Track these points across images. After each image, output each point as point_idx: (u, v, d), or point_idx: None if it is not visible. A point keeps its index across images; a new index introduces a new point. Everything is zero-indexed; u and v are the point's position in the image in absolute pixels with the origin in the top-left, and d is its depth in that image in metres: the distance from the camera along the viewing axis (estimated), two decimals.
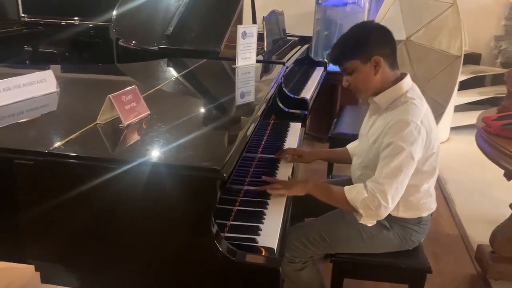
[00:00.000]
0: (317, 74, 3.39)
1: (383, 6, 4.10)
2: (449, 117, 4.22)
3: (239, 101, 1.83)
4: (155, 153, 1.12)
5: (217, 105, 1.71)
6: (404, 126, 1.44)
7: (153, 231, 1.08)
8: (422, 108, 1.52)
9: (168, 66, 2.37)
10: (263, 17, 2.85)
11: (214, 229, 1.07)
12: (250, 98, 1.92)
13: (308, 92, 2.84)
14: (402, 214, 1.60)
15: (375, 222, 1.52)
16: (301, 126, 2.31)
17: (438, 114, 4.05)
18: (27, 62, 5.41)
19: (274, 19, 3.13)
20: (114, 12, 3.04)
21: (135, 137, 1.27)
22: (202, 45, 2.53)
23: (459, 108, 4.42)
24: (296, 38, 3.64)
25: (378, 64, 1.52)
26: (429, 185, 1.61)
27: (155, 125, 1.35)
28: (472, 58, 5.07)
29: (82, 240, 1.12)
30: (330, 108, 4.03)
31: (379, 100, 1.58)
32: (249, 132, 1.40)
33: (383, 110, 1.57)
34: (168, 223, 1.06)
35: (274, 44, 3.07)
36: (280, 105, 2.35)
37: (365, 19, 4.03)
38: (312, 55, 3.75)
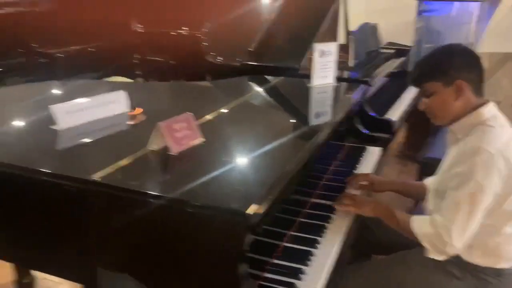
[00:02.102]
0: (411, 91, 3.14)
1: (496, 14, 3.67)
2: None
3: (303, 125, 1.76)
4: (184, 188, 1.09)
5: (278, 131, 1.66)
6: (475, 154, 1.28)
7: (182, 267, 1.06)
8: (502, 136, 1.33)
9: (244, 84, 2.37)
10: (351, 31, 2.71)
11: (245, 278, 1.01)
12: (317, 121, 1.83)
13: (396, 111, 2.64)
14: (476, 259, 1.40)
15: (445, 257, 1.36)
16: (381, 151, 2.16)
17: None
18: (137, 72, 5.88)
19: (364, 32, 2.97)
20: (206, 26, 3.15)
21: (175, 168, 1.28)
22: (282, 62, 2.49)
23: None
24: (392, 51, 3.42)
25: (460, 89, 1.38)
26: None
27: (202, 154, 1.34)
28: None
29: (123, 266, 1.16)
30: (427, 124, 3.71)
31: (456, 128, 1.44)
32: (299, 166, 1.32)
33: (459, 139, 1.41)
34: (196, 263, 1.04)
35: (364, 58, 2.91)
36: (359, 126, 2.22)
37: (473, 30, 3.64)
38: (409, 69, 3.49)
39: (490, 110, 1.40)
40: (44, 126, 1.49)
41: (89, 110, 1.56)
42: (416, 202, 2.49)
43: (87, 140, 1.50)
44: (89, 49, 5.04)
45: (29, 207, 1.26)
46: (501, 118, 1.41)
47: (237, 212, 0.98)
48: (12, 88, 2.45)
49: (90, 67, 4.76)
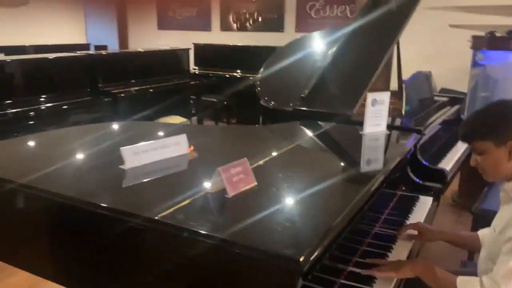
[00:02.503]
0: None
1: None
2: None
3: (354, 172, 1.79)
4: (238, 231, 1.15)
5: (330, 177, 1.69)
6: None
7: None
8: None
9: (296, 129, 2.44)
10: (403, 80, 2.74)
11: None
12: (369, 168, 1.86)
13: (450, 161, 2.61)
14: None
15: None
16: (433, 201, 2.13)
17: None
18: (193, 111, 6.16)
19: (417, 80, 2.98)
20: (260, 71, 3.31)
21: (231, 210, 1.35)
22: (334, 108, 2.55)
23: None
24: (446, 99, 3.40)
25: None
26: None
27: (255, 198, 1.41)
28: None
29: None
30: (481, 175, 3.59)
31: (509, 188, 1.42)
32: (351, 214, 1.35)
33: None
34: None
35: (417, 106, 2.92)
36: (411, 175, 2.21)
37: None
38: (463, 117, 3.44)
39: None
40: (114, 165, 1.63)
41: (154, 152, 1.68)
42: (470, 253, 2.40)
43: (150, 179, 1.61)
44: (150, 90, 5.39)
45: (92, 238, 1.37)
46: None
47: (291, 258, 1.02)
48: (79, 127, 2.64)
49: (149, 106, 5.06)
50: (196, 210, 1.31)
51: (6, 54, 5.11)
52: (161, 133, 2.24)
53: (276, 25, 7.90)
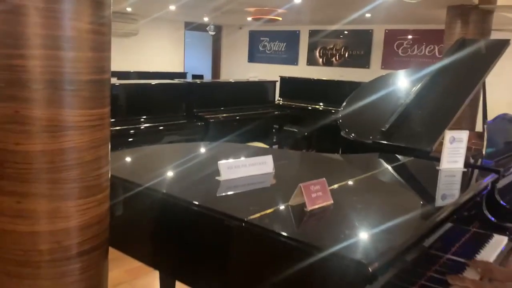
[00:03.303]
0: None
1: None
2: None
3: (426, 203, 1.90)
4: (312, 235, 1.37)
5: (400, 203, 1.83)
6: None
7: None
8: None
9: (374, 160, 2.58)
10: (486, 120, 2.78)
11: None
12: (441, 202, 1.95)
13: None
14: None
15: None
16: (509, 241, 2.14)
17: None
18: (274, 139, 6.47)
19: (501, 123, 2.98)
20: (343, 105, 3.50)
21: (310, 221, 1.54)
22: (413, 143, 2.66)
23: None
24: None
25: None
26: None
27: (332, 214, 1.59)
28: None
29: None
30: None
31: None
32: (418, 236, 1.48)
33: None
34: None
35: (502, 148, 2.91)
36: (487, 213, 2.24)
37: None
38: None
39: None
40: (211, 177, 1.92)
41: (244, 168, 1.94)
42: None
43: (241, 190, 1.88)
44: (237, 117, 5.79)
45: (190, 233, 1.65)
46: None
47: (360, 263, 1.19)
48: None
49: (236, 132, 5.45)
50: (279, 217, 1.53)
51: (118, 79, 5.82)
52: (248, 154, 2.51)
53: (362, 61, 8.06)
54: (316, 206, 1.60)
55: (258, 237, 1.42)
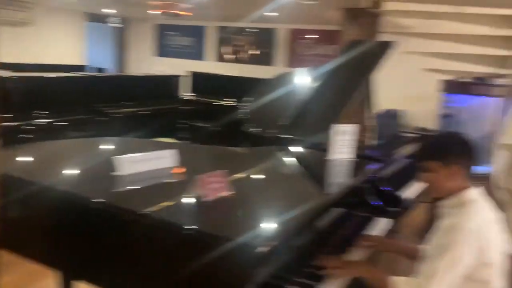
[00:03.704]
0: None
1: None
2: None
3: (316, 191, 2.07)
4: (209, 224, 1.44)
5: (292, 191, 1.98)
6: (455, 230, 1.54)
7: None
8: (479, 217, 1.57)
9: (274, 153, 2.73)
10: (373, 115, 3.07)
11: None
12: (331, 189, 2.14)
13: (410, 190, 2.90)
14: None
15: None
16: (392, 223, 2.41)
17: None
18: (183, 135, 6.43)
19: (387, 117, 3.32)
20: (247, 100, 3.63)
21: (209, 211, 1.61)
22: (308, 136, 2.85)
23: None
24: (416, 135, 3.72)
25: (454, 173, 1.65)
26: None
27: (230, 203, 1.68)
28: None
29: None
30: None
31: (444, 204, 1.70)
32: (306, 222, 1.63)
33: (446, 213, 1.67)
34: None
35: (387, 140, 3.24)
36: (372, 198, 2.48)
37: (492, 122, 3.91)
38: None
39: (472, 193, 1.65)
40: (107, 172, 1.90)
41: (145, 162, 1.95)
42: None
43: (141, 184, 1.88)
44: (140, 112, 5.67)
45: (91, 230, 1.63)
46: (480, 201, 1.66)
47: (255, 248, 1.29)
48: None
49: (141, 127, 5.34)
50: (179, 209, 1.58)
51: (14, 71, 5.39)
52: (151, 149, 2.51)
53: (268, 59, 8.33)
54: (216, 197, 1.67)
55: (158, 230, 1.46)
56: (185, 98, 6.91)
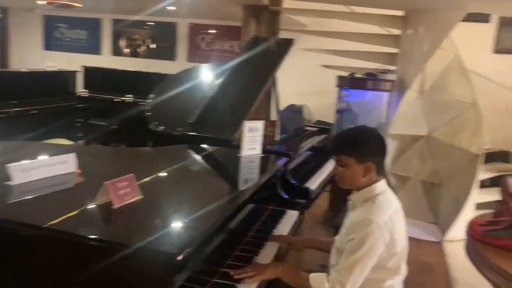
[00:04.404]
0: (332, 163, 3.57)
1: (404, 102, 4.31)
2: (470, 215, 4.18)
3: (230, 187, 2.06)
4: (120, 233, 1.34)
5: (206, 191, 1.95)
6: (367, 224, 1.61)
7: None
8: (389, 210, 1.67)
9: (183, 152, 2.66)
10: (278, 111, 3.14)
11: None
12: (242, 185, 2.14)
13: (315, 181, 3.02)
14: None
15: None
16: (300, 214, 2.49)
17: (457, 210, 4.06)
18: (80, 134, 6.02)
19: (291, 112, 3.42)
20: (150, 97, 3.49)
21: (118, 219, 1.51)
22: (218, 134, 2.83)
23: (483, 206, 4.37)
24: (315, 129, 3.89)
25: (369, 169, 1.71)
26: (394, 282, 1.71)
27: (141, 209, 1.59)
28: (501, 156, 5.09)
29: None
30: (346, 193, 4.14)
31: (354, 198, 1.77)
32: (222, 220, 1.60)
33: (356, 206, 1.75)
34: None
35: (291, 134, 3.33)
36: (281, 192, 2.55)
37: (384, 114, 4.26)
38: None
39: (381, 186, 1.74)
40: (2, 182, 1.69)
41: (41, 169, 1.77)
42: None
43: (38, 194, 1.70)
44: (32, 111, 5.19)
45: None
46: (388, 192, 1.76)
47: (168, 253, 1.23)
48: None
49: (33, 128, 4.88)
50: (84, 219, 1.45)
51: None
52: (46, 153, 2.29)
53: (168, 54, 8.12)
54: (125, 203, 1.57)
55: (62, 243, 1.33)
56: (82, 95, 6.46)
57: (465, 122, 4.25)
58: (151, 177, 1.94)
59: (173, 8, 6.54)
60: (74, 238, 1.31)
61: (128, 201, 1.58)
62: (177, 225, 1.51)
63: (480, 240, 2.04)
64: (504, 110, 5.10)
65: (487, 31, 5.53)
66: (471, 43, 4.88)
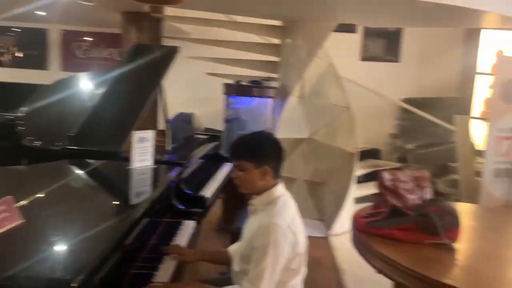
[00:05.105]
0: (225, 170, 3.61)
1: (287, 108, 4.54)
2: (350, 209, 4.55)
3: (122, 204, 1.95)
4: (3, 264, 1.19)
5: (97, 209, 1.82)
6: (273, 229, 1.64)
7: None
8: (290, 212, 1.73)
9: (64, 168, 2.45)
10: (167, 119, 3.07)
11: None
12: (136, 200, 2.05)
13: (210, 189, 3.02)
14: None
15: None
16: (198, 223, 2.45)
17: (339, 206, 4.39)
18: None
19: (180, 120, 3.37)
20: (22, 110, 3.17)
21: None
22: (103, 146, 2.66)
23: (361, 200, 4.78)
24: (206, 136, 3.90)
25: (266, 173, 1.74)
26: (296, 282, 1.78)
27: (24, 234, 1.43)
28: (373, 153, 5.64)
29: None
30: (239, 199, 4.20)
31: (255, 202, 1.80)
32: (117, 241, 1.51)
33: (258, 210, 1.78)
34: None
35: (181, 143, 3.28)
36: (175, 203, 2.49)
37: (270, 119, 4.44)
38: (221, 152, 4.00)
39: (280, 190, 1.80)
40: None
41: None
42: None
43: None
44: None
45: None
46: (287, 195, 1.82)
47: (62, 280, 1.11)
48: None
49: None
50: None
51: None
52: None
53: (39, 62, 7.47)
54: (3, 229, 1.39)
55: None
56: None
57: (340, 124, 4.62)
58: (31, 198, 1.76)
59: (43, 13, 6.03)
60: None
61: (7, 227, 1.41)
62: (67, 248, 1.39)
63: (364, 231, 2.20)
64: (372, 112, 5.65)
65: (354, 41, 6.08)
66: (341, 51, 5.31)
